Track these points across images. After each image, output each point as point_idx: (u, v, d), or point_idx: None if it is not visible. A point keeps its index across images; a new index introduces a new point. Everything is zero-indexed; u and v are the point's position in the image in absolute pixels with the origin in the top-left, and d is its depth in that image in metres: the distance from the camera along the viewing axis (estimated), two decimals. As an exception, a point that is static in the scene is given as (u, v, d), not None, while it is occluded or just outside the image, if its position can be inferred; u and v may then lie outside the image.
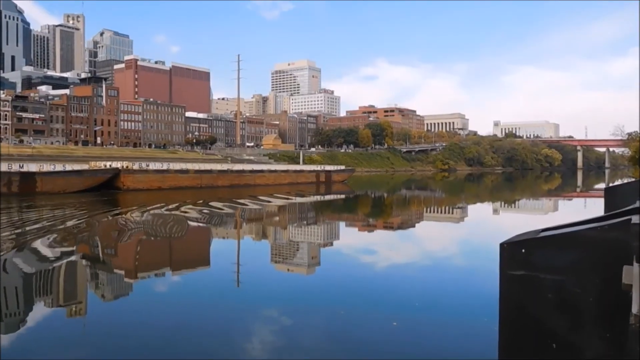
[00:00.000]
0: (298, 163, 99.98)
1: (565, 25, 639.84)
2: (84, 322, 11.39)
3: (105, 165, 52.62)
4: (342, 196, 56.69)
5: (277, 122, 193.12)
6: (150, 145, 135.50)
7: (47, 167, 45.56)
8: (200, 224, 29.51)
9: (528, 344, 2.67)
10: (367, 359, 8.79)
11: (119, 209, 36.87)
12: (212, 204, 40.33)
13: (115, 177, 50.29)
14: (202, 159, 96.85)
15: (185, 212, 34.00)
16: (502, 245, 2.83)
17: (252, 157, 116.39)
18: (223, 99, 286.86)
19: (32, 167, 44.78)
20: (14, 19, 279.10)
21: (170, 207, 36.67)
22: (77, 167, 49.35)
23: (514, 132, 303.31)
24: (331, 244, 24.18)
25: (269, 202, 44.69)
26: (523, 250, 2.70)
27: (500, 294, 2.78)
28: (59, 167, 46.74)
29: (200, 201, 42.11)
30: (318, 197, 54.91)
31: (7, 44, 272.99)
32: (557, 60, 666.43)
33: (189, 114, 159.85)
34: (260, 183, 66.45)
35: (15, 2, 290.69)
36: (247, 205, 41.14)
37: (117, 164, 53.17)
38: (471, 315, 10.98)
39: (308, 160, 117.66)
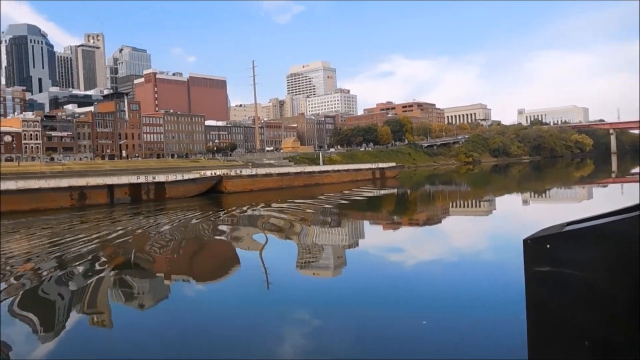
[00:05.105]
0: (318, 164, 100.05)
1: (587, 6, 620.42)
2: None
3: (212, 173, 61.45)
4: (402, 190, 63.36)
5: (295, 125, 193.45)
6: (172, 156, 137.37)
7: (171, 177, 54.34)
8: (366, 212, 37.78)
9: (559, 341, 2.58)
10: (398, 359, 8.73)
11: (273, 201, 45.06)
12: (320, 197, 47.39)
13: (219, 183, 58.05)
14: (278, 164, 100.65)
15: (320, 204, 42.00)
16: (525, 241, 2.67)
17: (272, 161, 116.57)
18: (240, 105, 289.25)
19: (161, 177, 53.20)
20: (38, 42, 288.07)
21: (293, 201, 44.42)
22: (192, 176, 58.06)
23: (540, 119, 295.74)
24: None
25: (363, 194, 52.84)
26: (548, 246, 2.59)
27: (526, 292, 2.71)
28: (179, 176, 55.66)
29: (288, 198, 49.02)
30: (392, 190, 62.44)
31: (34, 66, 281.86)
32: (581, 42, 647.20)
33: (208, 122, 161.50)
34: (327, 182, 73.37)
35: (38, 26, 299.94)
36: (353, 197, 48.52)
37: (219, 172, 62.26)
38: (501, 312, 10.80)
39: (328, 161, 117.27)
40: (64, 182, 46.54)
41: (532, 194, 51.45)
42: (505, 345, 8.81)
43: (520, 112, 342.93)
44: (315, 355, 9.08)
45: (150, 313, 12.72)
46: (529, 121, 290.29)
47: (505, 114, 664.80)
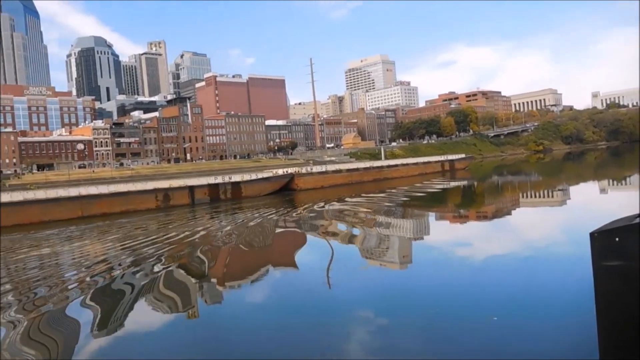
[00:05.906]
0: (379, 159, 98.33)
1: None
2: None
3: (284, 172, 63.07)
4: (472, 182, 62.48)
5: (355, 120, 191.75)
6: (235, 156, 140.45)
7: (246, 177, 56.65)
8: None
9: (631, 339, 2.40)
10: (468, 358, 8.64)
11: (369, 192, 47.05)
12: (392, 191, 48.33)
13: (291, 180, 59.13)
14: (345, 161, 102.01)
15: (394, 197, 43.42)
16: (592, 235, 2.56)
17: (333, 158, 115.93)
18: (300, 103, 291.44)
19: (237, 177, 55.51)
20: (105, 53, 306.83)
21: (366, 196, 45.10)
22: (265, 175, 60.03)
23: (616, 101, 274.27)
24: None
25: (436, 186, 53.74)
26: (617, 239, 2.43)
27: (595, 287, 2.54)
28: (253, 176, 57.81)
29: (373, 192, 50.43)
30: (463, 182, 61.78)
31: (102, 76, 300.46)
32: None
33: (268, 122, 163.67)
34: (396, 176, 73.10)
35: (104, 37, 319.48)
36: (426, 189, 49.57)
37: (291, 170, 63.77)
38: (572, 309, 10.34)
39: (390, 156, 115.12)
40: (150, 185, 49.30)
41: (611, 181, 47.43)
42: (576, 344, 8.51)
43: (595, 95, 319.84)
44: (385, 354, 9.00)
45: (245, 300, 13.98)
46: (604, 104, 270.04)
47: (578, 98, 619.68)
